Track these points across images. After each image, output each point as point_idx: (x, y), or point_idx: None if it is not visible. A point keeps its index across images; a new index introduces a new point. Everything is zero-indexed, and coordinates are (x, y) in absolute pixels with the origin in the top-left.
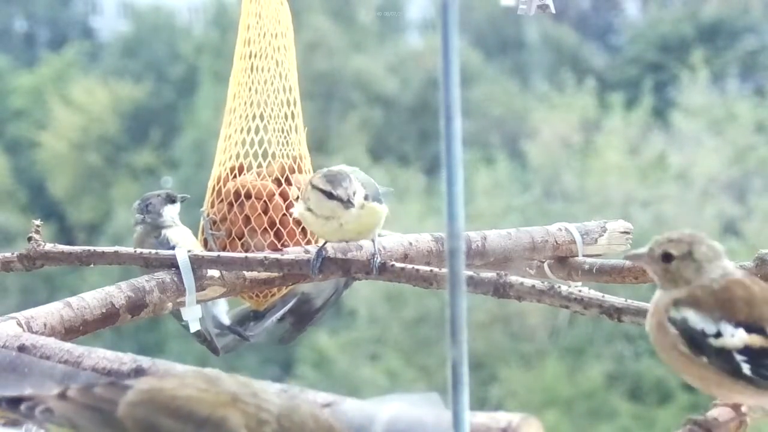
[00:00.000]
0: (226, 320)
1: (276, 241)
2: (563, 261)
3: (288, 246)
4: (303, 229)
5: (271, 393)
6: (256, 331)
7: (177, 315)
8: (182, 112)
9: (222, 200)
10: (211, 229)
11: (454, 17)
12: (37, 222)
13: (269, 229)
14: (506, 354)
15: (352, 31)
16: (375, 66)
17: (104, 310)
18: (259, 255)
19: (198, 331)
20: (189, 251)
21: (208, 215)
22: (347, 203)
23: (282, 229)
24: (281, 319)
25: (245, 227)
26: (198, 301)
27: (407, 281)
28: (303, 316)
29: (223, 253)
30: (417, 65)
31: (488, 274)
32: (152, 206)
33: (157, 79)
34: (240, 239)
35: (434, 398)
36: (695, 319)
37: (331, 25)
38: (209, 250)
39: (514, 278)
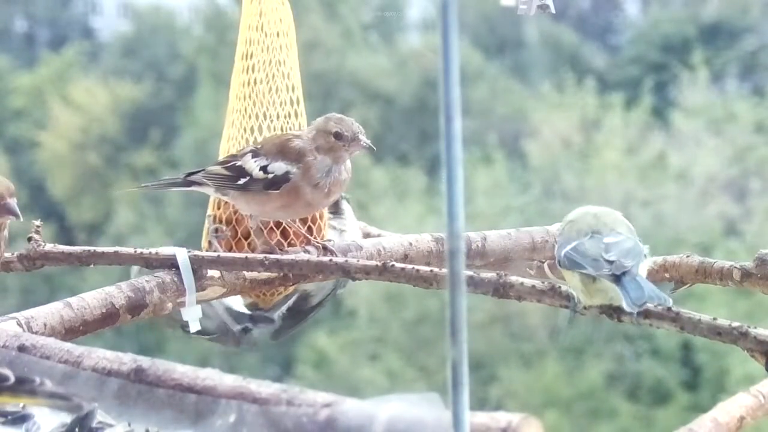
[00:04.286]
0: (245, 309)
1: (282, 240)
2: None
3: (295, 245)
4: (309, 228)
5: None
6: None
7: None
8: (182, 112)
9: (227, 201)
10: (216, 233)
11: (454, 17)
12: (37, 222)
13: (275, 229)
14: (506, 354)
15: (351, 31)
16: (375, 66)
17: (104, 310)
18: (259, 255)
19: (210, 328)
20: (189, 251)
21: (214, 219)
22: None
23: (288, 228)
24: (280, 315)
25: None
26: (198, 302)
27: (407, 281)
28: (298, 313)
29: (223, 254)
30: (417, 65)
31: (488, 274)
32: None
33: (157, 79)
34: (246, 239)
35: (434, 398)
36: None
37: (329, 25)
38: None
39: (514, 278)
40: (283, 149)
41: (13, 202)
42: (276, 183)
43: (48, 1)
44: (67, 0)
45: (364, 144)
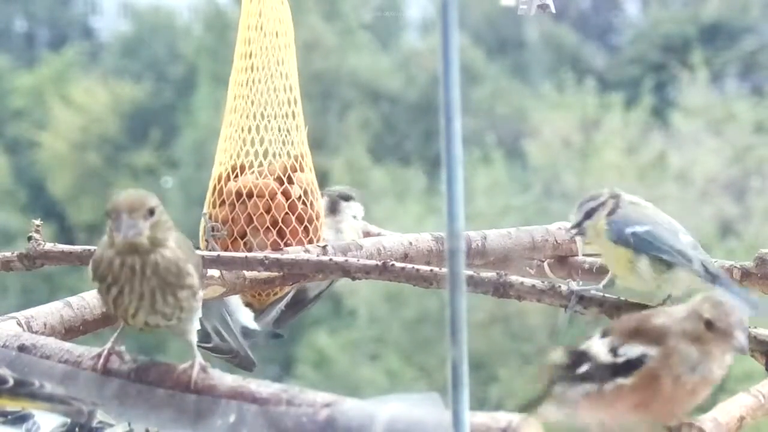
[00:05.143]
0: (255, 325)
1: (279, 240)
2: (563, 260)
3: (291, 245)
4: (305, 227)
5: None
6: (261, 325)
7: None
8: (182, 112)
9: (223, 200)
10: (213, 231)
11: (454, 17)
12: (37, 222)
13: (272, 228)
14: (506, 354)
15: (351, 31)
16: (374, 65)
17: (104, 310)
18: (259, 255)
19: (226, 348)
20: None
21: (210, 218)
22: None
23: (284, 228)
24: (282, 308)
25: (247, 226)
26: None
27: (407, 281)
28: (296, 304)
29: (223, 253)
30: (417, 65)
31: (488, 274)
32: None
33: (157, 79)
34: (242, 238)
35: (434, 398)
36: None
37: (328, 25)
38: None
39: (514, 278)
40: (641, 327)
41: (125, 219)
42: (627, 369)
43: (48, 1)
44: (67, 0)
45: (738, 345)
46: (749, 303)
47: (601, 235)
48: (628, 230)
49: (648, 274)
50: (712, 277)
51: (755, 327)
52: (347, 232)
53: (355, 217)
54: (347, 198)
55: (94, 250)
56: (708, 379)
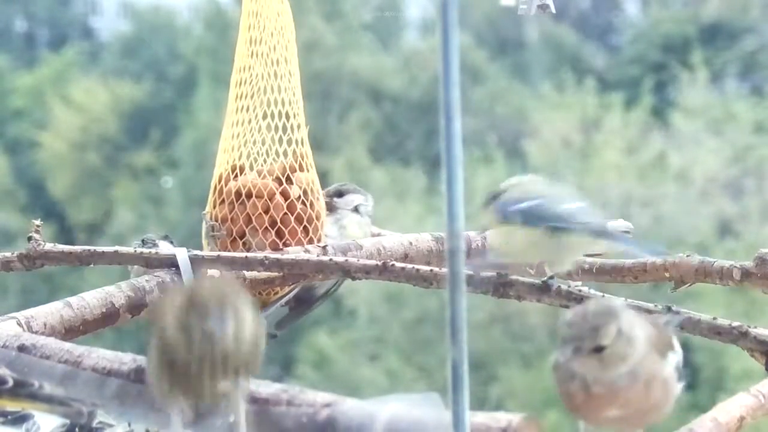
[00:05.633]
0: None
1: (277, 240)
2: None
3: (290, 245)
4: (304, 228)
5: None
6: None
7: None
8: (182, 112)
9: (223, 200)
10: (212, 231)
11: (454, 17)
12: (37, 222)
13: (270, 229)
14: (506, 354)
15: (351, 31)
16: (374, 65)
17: (104, 310)
18: (260, 255)
19: None
20: (189, 251)
21: (211, 218)
22: None
23: (283, 229)
24: (283, 304)
25: (246, 227)
26: None
27: (407, 281)
28: (303, 302)
29: (223, 253)
30: (417, 65)
31: (488, 274)
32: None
33: (157, 79)
34: (241, 238)
35: (434, 398)
36: None
37: (329, 25)
38: (211, 251)
39: (514, 278)
40: None
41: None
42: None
43: (48, 1)
44: (67, 0)
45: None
46: (650, 250)
47: (493, 222)
48: (513, 208)
49: (544, 245)
50: (596, 233)
51: (755, 326)
52: (350, 226)
53: (357, 209)
54: (340, 194)
55: (95, 250)
56: (590, 389)
